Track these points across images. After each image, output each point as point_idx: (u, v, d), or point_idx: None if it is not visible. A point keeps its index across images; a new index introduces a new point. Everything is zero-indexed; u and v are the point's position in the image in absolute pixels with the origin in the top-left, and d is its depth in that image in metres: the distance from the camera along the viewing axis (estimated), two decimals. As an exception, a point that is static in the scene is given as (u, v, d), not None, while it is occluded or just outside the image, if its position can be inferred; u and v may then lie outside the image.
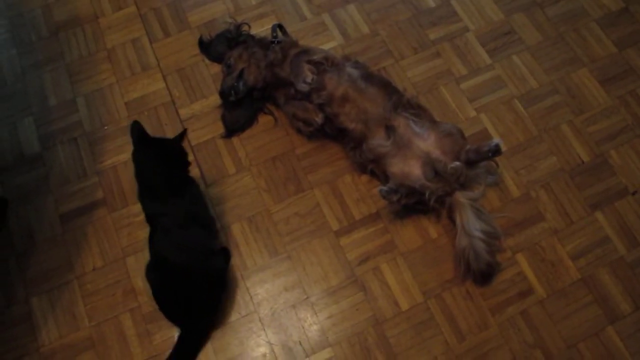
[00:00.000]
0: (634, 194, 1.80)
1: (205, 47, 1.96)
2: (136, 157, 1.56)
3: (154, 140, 1.57)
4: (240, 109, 1.86)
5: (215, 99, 1.90)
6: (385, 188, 1.62)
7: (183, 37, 2.01)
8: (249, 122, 1.88)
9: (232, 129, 1.86)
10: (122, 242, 1.72)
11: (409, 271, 1.69)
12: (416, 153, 1.67)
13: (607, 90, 1.95)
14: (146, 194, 1.58)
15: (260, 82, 1.83)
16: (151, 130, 1.81)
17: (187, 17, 2.04)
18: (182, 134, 1.60)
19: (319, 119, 1.75)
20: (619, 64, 2.00)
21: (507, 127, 1.88)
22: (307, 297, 1.65)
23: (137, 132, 1.54)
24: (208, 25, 2.01)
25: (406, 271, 1.69)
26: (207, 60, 1.96)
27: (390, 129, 1.69)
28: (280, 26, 1.91)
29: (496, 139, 1.61)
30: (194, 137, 1.84)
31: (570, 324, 1.64)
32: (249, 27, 1.95)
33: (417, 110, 1.72)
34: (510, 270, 1.69)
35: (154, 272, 1.54)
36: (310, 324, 1.63)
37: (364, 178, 1.79)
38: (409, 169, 1.66)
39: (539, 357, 1.60)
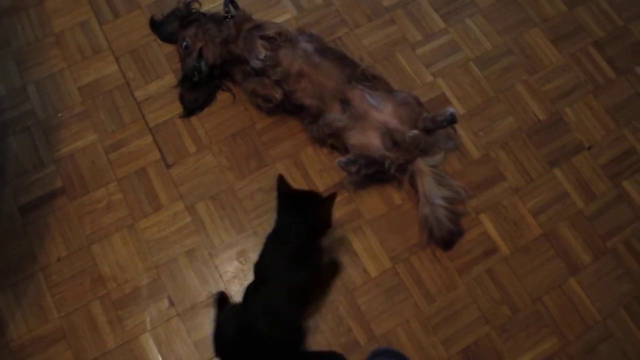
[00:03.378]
0: (589, 148, 1.85)
1: (157, 27, 1.91)
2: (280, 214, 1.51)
3: (302, 198, 1.50)
4: (198, 87, 1.83)
5: (170, 79, 1.87)
6: (343, 159, 1.62)
7: (133, 18, 1.95)
8: (208, 100, 1.85)
9: (191, 108, 1.83)
10: (85, 230, 1.69)
11: (376, 238, 1.71)
12: (374, 124, 1.67)
13: (559, 48, 1.98)
14: (275, 251, 1.51)
15: (218, 59, 1.80)
16: (108, 115, 1.81)
17: (146, -3, 2.00)
18: (333, 197, 1.47)
19: (278, 95, 1.74)
20: (570, 22, 2.03)
21: (464, 90, 1.90)
22: (277, 272, 1.67)
23: (282, 188, 1.48)
24: (158, 3, 1.96)
25: (373, 238, 1.71)
26: (159, 40, 1.91)
27: (345, 103, 1.69)
28: (232, 0, 1.88)
29: (451, 108, 1.64)
30: (152, 119, 1.81)
31: (534, 278, 1.69)
32: (200, 4, 1.91)
33: (373, 81, 1.73)
34: (474, 231, 1.73)
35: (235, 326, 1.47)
36: (282, 297, 1.65)
37: (326, 149, 1.79)
38: (368, 140, 1.67)
39: (506, 312, 1.65)
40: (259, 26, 1.77)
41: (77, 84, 1.88)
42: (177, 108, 1.84)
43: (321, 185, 1.76)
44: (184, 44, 1.80)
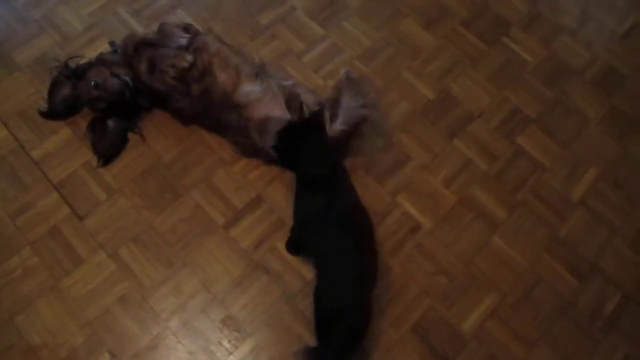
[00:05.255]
0: (479, 115, 1.97)
1: (52, 108, 1.83)
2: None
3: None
4: (108, 132, 1.80)
5: (66, 132, 1.82)
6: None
7: (14, 79, 1.90)
8: (122, 143, 1.82)
9: (107, 156, 1.79)
10: (5, 303, 1.59)
11: (305, 241, 1.74)
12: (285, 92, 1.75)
13: (432, 32, 2.12)
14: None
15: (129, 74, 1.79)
16: (6, 181, 1.74)
17: (14, 57, 1.94)
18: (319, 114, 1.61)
19: (188, 59, 1.73)
20: (436, 8, 2.19)
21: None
22: (214, 296, 1.63)
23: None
24: (38, 60, 1.93)
25: (302, 242, 1.74)
26: (46, 97, 1.84)
27: (259, 75, 1.75)
28: (114, 43, 1.88)
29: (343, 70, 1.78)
30: (54, 175, 1.75)
31: (461, 243, 1.77)
32: (80, 58, 1.88)
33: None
34: (395, 212, 1.79)
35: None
36: (225, 321, 1.61)
37: (237, 167, 1.81)
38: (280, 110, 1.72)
39: (443, 281, 1.71)
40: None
41: (-33, 157, 1.81)
42: (80, 159, 1.79)
43: (239, 203, 1.76)
44: (92, 83, 1.75)
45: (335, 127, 1.70)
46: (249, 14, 2.10)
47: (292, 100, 1.69)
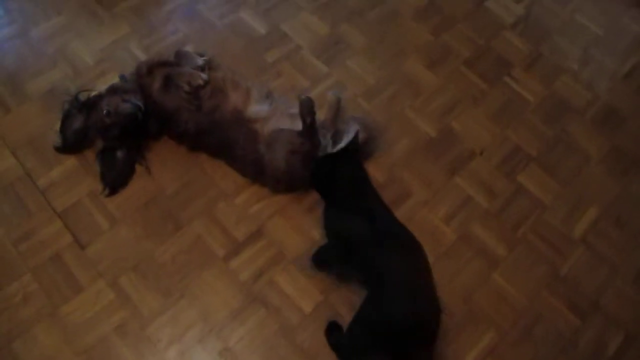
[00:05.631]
0: (481, 153, 2.00)
1: (65, 142, 1.87)
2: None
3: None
4: (116, 163, 1.84)
5: (72, 162, 1.86)
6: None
7: (25, 110, 1.95)
8: (130, 173, 1.86)
9: (114, 185, 1.83)
10: (2, 328, 1.60)
11: (302, 275, 1.73)
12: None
13: (435, 72, 2.17)
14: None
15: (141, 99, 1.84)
16: (11, 208, 1.77)
17: (26, 88, 1.99)
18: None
19: (203, 77, 1.82)
20: (439, 49, 2.24)
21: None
22: (212, 328, 1.63)
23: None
24: (49, 93, 1.98)
25: (300, 276, 1.73)
26: (55, 128, 1.87)
27: (270, 95, 1.85)
28: (124, 77, 1.94)
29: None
30: (59, 204, 1.78)
31: (461, 280, 1.76)
32: (89, 90, 1.92)
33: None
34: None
35: None
36: (222, 353, 1.60)
37: (239, 200, 1.83)
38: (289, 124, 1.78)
39: (442, 317, 1.69)
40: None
41: (-24, 183, 1.85)
42: (84, 189, 1.82)
43: (240, 236, 1.78)
44: (105, 112, 1.79)
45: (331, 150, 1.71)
46: (255, 52, 2.16)
47: (304, 106, 1.71)
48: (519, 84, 2.17)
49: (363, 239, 1.54)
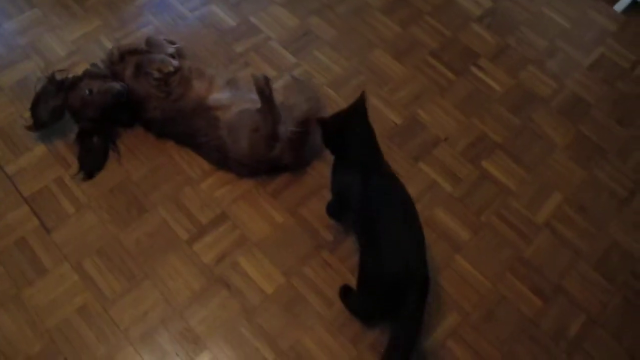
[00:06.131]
0: (445, 140, 2.02)
1: (39, 119, 1.87)
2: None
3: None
4: (93, 148, 1.87)
5: (41, 149, 1.89)
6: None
7: (-6, 100, 2.01)
8: (105, 159, 1.90)
9: (92, 169, 1.87)
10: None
11: (266, 257, 1.75)
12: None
13: (402, 62, 2.21)
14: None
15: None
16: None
17: (-3, 79, 2.06)
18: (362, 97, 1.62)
19: (174, 64, 1.86)
20: (406, 40, 2.28)
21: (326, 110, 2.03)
22: (174, 309, 1.65)
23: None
24: (20, 83, 2.02)
25: (263, 258, 1.75)
26: (25, 116, 1.92)
27: (230, 85, 1.88)
28: (96, 65, 1.96)
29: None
30: (26, 189, 1.81)
31: (424, 263, 1.79)
32: (67, 71, 1.94)
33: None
34: (358, 232, 1.82)
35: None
36: (183, 333, 1.62)
37: (204, 185, 1.86)
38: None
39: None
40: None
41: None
42: (52, 175, 1.85)
43: (204, 219, 1.80)
44: (87, 91, 1.83)
45: (288, 128, 1.77)
46: (225, 43, 2.20)
47: (260, 82, 1.74)
48: (485, 73, 2.21)
49: (359, 196, 1.56)
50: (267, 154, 1.80)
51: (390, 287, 1.45)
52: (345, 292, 1.70)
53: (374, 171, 1.58)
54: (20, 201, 1.80)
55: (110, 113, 1.88)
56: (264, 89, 1.73)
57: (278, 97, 1.78)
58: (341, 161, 1.64)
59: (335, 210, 1.78)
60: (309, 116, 1.80)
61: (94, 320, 1.63)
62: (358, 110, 1.60)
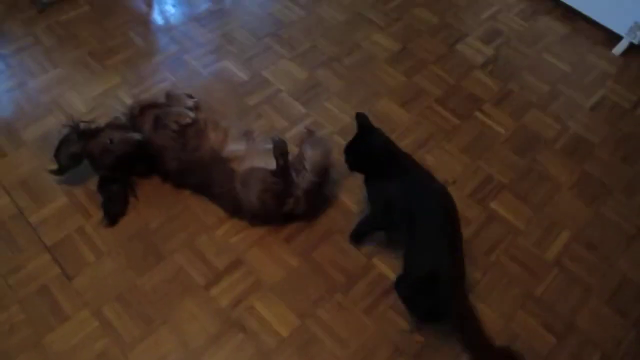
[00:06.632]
0: (454, 183, 2.07)
1: (60, 164, 1.97)
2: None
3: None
4: (114, 195, 1.95)
5: (63, 201, 1.96)
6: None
7: (21, 154, 2.08)
8: (126, 204, 1.97)
9: (115, 214, 1.94)
10: (-10, 358, 1.67)
11: (281, 301, 1.79)
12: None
13: (408, 110, 2.30)
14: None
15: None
16: (3, 243, 1.86)
17: (21, 135, 2.13)
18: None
19: (191, 115, 1.93)
20: (411, 89, 2.37)
21: (338, 160, 2.04)
22: (192, 353, 1.67)
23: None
24: (43, 137, 2.11)
25: (278, 302, 1.79)
26: (48, 167, 1.99)
27: (246, 137, 1.95)
28: (119, 118, 2.05)
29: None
30: (49, 239, 1.87)
31: (435, 303, 1.81)
32: (89, 121, 2.03)
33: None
34: (371, 274, 1.85)
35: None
36: (201, 376, 1.65)
37: (219, 232, 1.92)
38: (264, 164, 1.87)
39: (418, 339, 1.73)
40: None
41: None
42: (74, 224, 1.92)
43: (220, 265, 1.85)
44: (109, 140, 1.92)
45: (306, 178, 1.83)
46: (237, 96, 2.30)
47: (277, 148, 1.80)
48: (489, 118, 2.29)
49: (401, 198, 1.67)
50: (278, 209, 1.88)
51: (422, 286, 1.60)
52: (400, 282, 1.77)
53: (406, 172, 1.71)
54: (42, 250, 1.86)
55: (128, 162, 1.96)
56: (279, 157, 1.81)
57: (292, 149, 1.85)
58: (373, 176, 1.76)
59: (374, 224, 1.87)
60: (326, 167, 1.88)
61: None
62: (365, 127, 1.74)
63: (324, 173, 1.89)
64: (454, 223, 1.64)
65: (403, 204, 1.66)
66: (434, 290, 1.56)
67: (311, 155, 1.86)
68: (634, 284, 1.89)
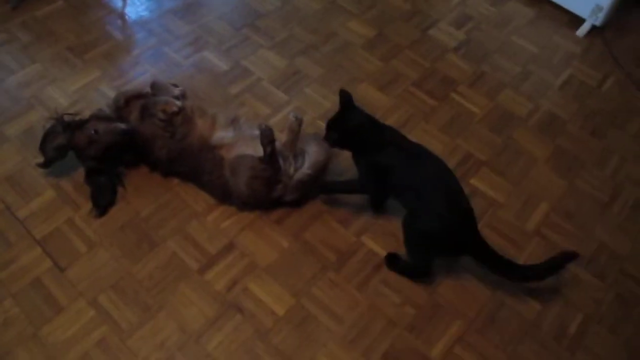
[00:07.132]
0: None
1: (46, 156, 1.96)
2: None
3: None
4: (103, 186, 1.95)
5: (50, 194, 1.96)
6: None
7: (4, 150, 2.06)
8: (115, 194, 1.98)
9: (104, 205, 1.94)
10: (-14, 352, 1.66)
11: (275, 281, 1.82)
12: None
13: (386, 93, 2.36)
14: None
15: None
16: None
17: (4, 131, 2.11)
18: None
19: (178, 104, 1.94)
20: (388, 73, 2.44)
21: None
22: (190, 336, 1.70)
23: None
24: (27, 133, 2.10)
25: (273, 282, 1.82)
26: (32, 163, 2.00)
27: (233, 124, 1.97)
28: (102, 109, 2.05)
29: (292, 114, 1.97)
30: (38, 232, 1.87)
31: (424, 275, 1.87)
32: (73, 114, 2.03)
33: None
34: (361, 251, 1.91)
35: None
36: (201, 359, 1.66)
37: (210, 218, 1.95)
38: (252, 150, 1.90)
39: (410, 311, 1.79)
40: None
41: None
42: (62, 217, 1.92)
43: (213, 249, 1.87)
44: (93, 131, 1.92)
45: (303, 172, 1.89)
46: (219, 86, 2.33)
47: (265, 136, 1.83)
48: (465, 98, 2.37)
49: (397, 164, 1.77)
50: (267, 195, 1.91)
51: (447, 233, 1.73)
52: (391, 260, 1.89)
53: (392, 142, 1.80)
54: (32, 244, 1.85)
55: (114, 153, 1.97)
56: (266, 145, 1.83)
57: (278, 136, 1.89)
58: (359, 151, 1.82)
59: (377, 196, 1.97)
60: (326, 166, 1.95)
61: (113, 352, 1.67)
62: (348, 103, 1.80)
63: (322, 170, 1.96)
64: (453, 177, 1.79)
65: (401, 170, 1.75)
66: (467, 224, 1.74)
67: (315, 151, 1.92)
68: (609, 249, 1.99)
